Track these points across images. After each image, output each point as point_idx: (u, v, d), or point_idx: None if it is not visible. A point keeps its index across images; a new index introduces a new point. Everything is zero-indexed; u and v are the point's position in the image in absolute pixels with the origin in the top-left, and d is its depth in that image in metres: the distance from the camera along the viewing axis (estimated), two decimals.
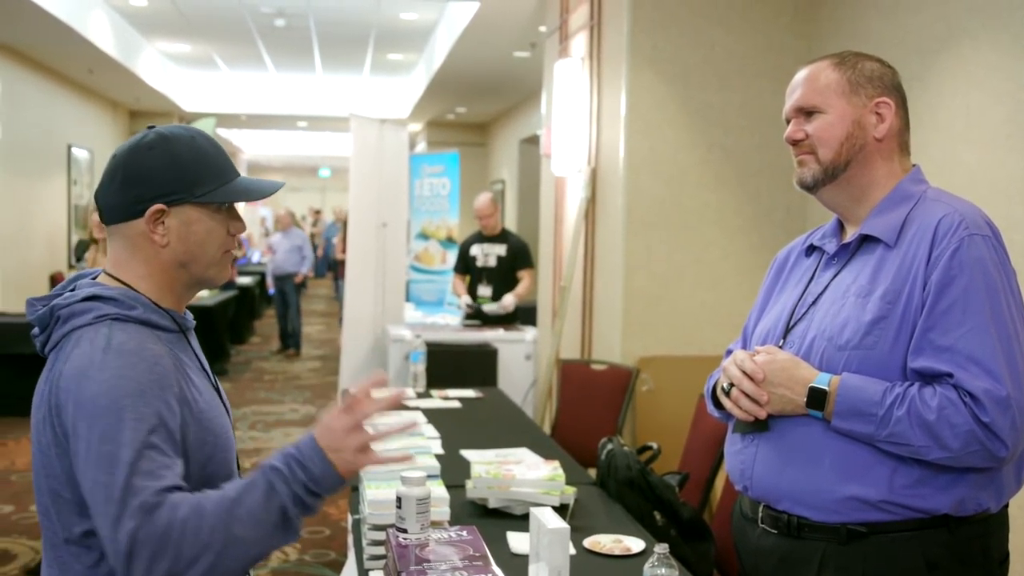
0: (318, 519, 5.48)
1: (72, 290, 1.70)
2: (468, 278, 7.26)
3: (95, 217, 4.39)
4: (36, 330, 1.68)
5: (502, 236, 7.21)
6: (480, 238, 7.24)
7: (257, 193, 1.77)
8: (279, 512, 1.54)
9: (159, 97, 13.93)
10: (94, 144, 13.30)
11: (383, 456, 1.69)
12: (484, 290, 7.08)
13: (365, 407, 1.66)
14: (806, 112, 2.01)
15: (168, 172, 1.67)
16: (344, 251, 10.63)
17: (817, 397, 1.88)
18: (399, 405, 1.72)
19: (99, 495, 1.49)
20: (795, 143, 2.03)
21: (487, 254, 7.12)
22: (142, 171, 1.67)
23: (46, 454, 1.60)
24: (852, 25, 4.68)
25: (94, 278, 1.73)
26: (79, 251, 7.68)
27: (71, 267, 11.52)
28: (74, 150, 12.40)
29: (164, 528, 1.46)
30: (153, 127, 1.73)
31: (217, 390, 1.81)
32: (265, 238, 24.40)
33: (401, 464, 1.78)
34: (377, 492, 2.50)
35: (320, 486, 1.58)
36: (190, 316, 1.81)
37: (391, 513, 2.26)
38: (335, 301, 19.33)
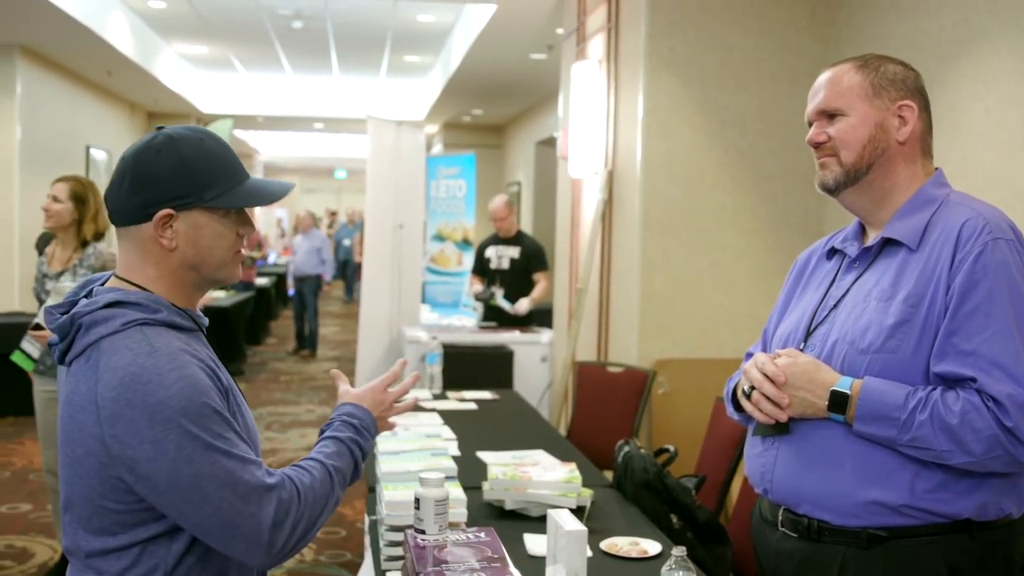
0: (334, 520, 5.48)
1: (87, 295, 1.69)
2: (484, 280, 7.28)
3: (54, 206, 4.38)
4: (55, 338, 1.66)
5: (517, 238, 7.20)
6: (495, 240, 7.24)
7: (268, 197, 1.75)
8: (355, 468, 1.83)
9: (177, 99, 13.98)
10: (112, 145, 13.35)
11: (400, 410, 2.02)
12: (498, 292, 7.10)
13: (400, 389, 2.02)
14: (828, 115, 2.01)
15: (177, 176, 1.65)
16: (363, 253, 10.62)
17: (839, 401, 1.87)
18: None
19: (210, 485, 1.54)
20: (817, 145, 2.03)
21: (500, 256, 7.13)
22: (150, 175, 1.65)
23: (84, 464, 1.59)
24: (870, 28, 4.67)
25: (103, 283, 1.72)
26: (40, 245, 7.66)
27: None
28: (92, 151, 12.46)
29: (300, 492, 1.64)
30: (162, 128, 1.71)
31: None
32: (281, 239, 24.41)
33: (411, 407, 2.07)
34: (394, 493, 2.51)
35: (372, 443, 1.91)
36: (201, 314, 1.81)
37: (409, 514, 2.27)
38: (347, 303, 19.38)
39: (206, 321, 1.81)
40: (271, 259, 19.61)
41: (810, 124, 2.05)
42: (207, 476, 1.53)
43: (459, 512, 2.49)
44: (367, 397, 1.94)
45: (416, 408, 4.38)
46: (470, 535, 2.13)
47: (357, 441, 1.83)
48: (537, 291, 6.99)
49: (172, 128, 1.71)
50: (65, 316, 1.65)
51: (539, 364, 6.49)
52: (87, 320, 1.61)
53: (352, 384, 2.02)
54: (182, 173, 1.65)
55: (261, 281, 13.80)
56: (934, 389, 1.82)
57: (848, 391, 1.87)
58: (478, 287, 7.18)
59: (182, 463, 1.53)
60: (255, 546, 1.57)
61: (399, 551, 2.38)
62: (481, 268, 7.28)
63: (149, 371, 1.54)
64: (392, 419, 2.03)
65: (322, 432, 1.85)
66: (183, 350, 1.61)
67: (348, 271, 20.01)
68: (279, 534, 1.59)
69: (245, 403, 1.79)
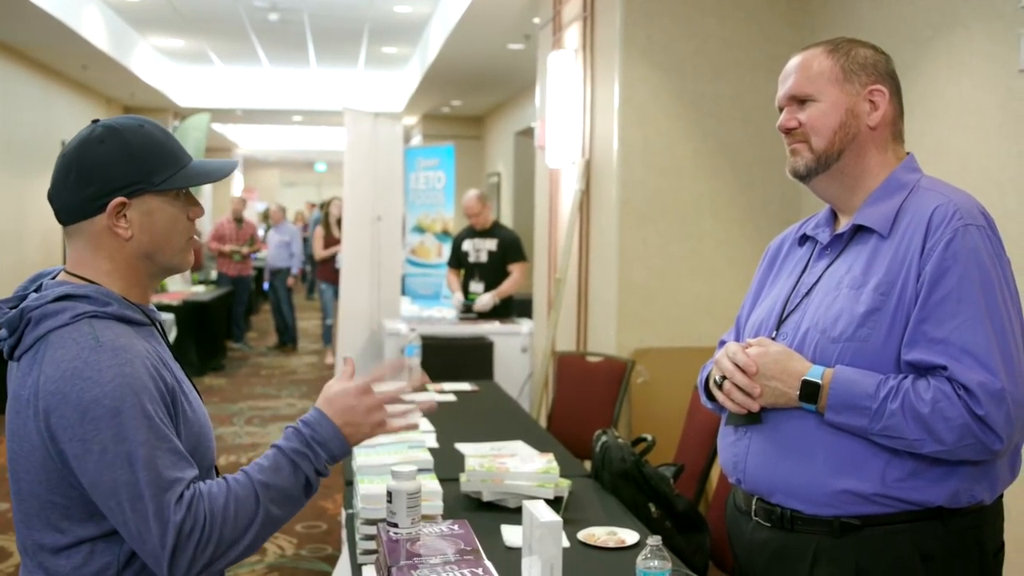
0: (315, 514, 5.47)
1: (37, 290, 1.68)
2: (462, 272, 7.25)
3: None
4: (4, 332, 1.64)
5: (492, 231, 7.17)
6: (471, 233, 7.22)
7: (215, 174, 1.74)
8: (304, 486, 1.67)
9: (153, 93, 13.89)
10: None
11: (394, 425, 1.82)
12: (476, 286, 7.06)
13: (386, 391, 1.80)
14: (799, 100, 1.99)
15: (123, 163, 1.64)
16: (326, 247, 10.53)
17: (810, 390, 1.87)
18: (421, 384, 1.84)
19: (124, 494, 1.50)
20: (788, 131, 2.01)
21: (478, 249, 7.10)
22: (96, 166, 1.63)
23: (29, 460, 1.58)
24: (845, 14, 4.67)
25: (53, 277, 1.71)
26: None
27: (65, 264, 11.46)
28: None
29: (207, 518, 1.54)
30: (97, 121, 1.70)
31: (189, 380, 1.81)
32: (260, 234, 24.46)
33: (409, 431, 1.87)
34: (370, 487, 2.49)
35: (336, 459, 1.72)
36: (155, 309, 1.80)
37: (383, 507, 2.25)
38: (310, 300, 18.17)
39: (160, 316, 1.80)
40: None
41: (780, 110, 2.04)
42: (124, 485, 1.51)
43: (434, 504, 2.48)
44: (336, 402, 1.74)
45: (399, 401, 4.37)
46: (444, 528, 2.13)
47: (305, 455, 1.67)
48: (507, 284, 6.94)
49: (109, 119, 1.70)
50: (14, 310, 1.63)
51: (519, 355, 6.48)
52: (36, 314, 1.60)
53: (332, 377, 1.92)
54: (128, 160, 1.64)
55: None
56: (905, 378, 1.81)
57: (819, 380, 1.86)
58: (459, 296, 7.14)
59: (103, 467, 1.51)
60: (157, 565, 1.53)
61: (374, 545, 2.37)
62: (458, 261, 7.25)
63: (90, 366, 1.53)
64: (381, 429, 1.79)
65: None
66: (129, 345, 1.58)
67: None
68: (180, 558, 1.52)
69: (198, 398, 1.77)
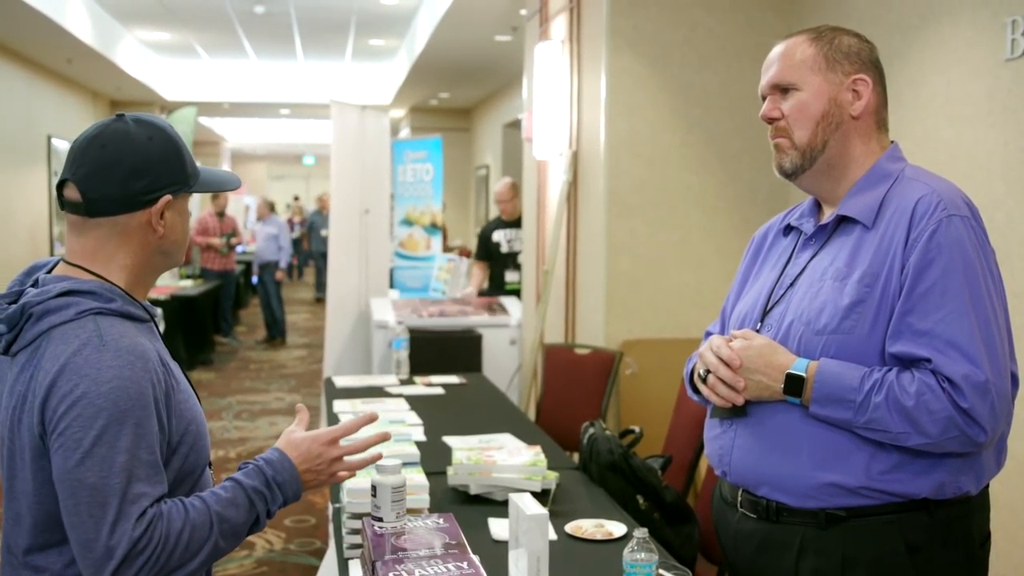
0: (303, 508, 5.46)
1: (34, 284, 1.66)
2: (488, 266, 7.21)
3: None
4: (3, 328, 1.63)
5: (520, 221, 7.11)
6: (500, 224, 7.20)
7: (228, 184, 1.84)
8: (253, 523, 1.67)
9: (140, 86, 13.83)
10: (74, 135, 13.14)
11: (353, 467, 1.83)
12: (513, 275, 7.04)
13: (354, 446, 1.81)
14: (781, 89, 1.98)
15: (173, 162, 1.69)
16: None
17: (794, 384, 1.85)
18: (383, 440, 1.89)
19: (85, 496, 1.48)
20: (771, 121, 2.00)
21: (511, 240, 7.08)
22: (149, 161, 1.66)
23: (23, 456, 1.57)
24: (832, 2, 4.66)
25: (49, 270, 1.70)
26: None
27: (52, 257, 11.41)
28: (54, 141, 12.30)
29: (161, 540, 1.51)
30: (123, 115, 1.70)
31: (186, 377, 1.81)
32: (247, 228, 24.25)
33: (371, 462, 1.88)
34: (356, 481, 2.47)
35: (287, 503, 1.72)
36: (152, 305, 1.79)
37: (368, 502, 2.24)
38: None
39: (157, 311, 1.80)
40: (239, 248, 19.48)
41: (763, 98, 2.03)
42: (89, 488, 1.49)
43: (421, 498, 2.47)
44: (302, 447, 1.74)
45: (382, 394, 4.37)
46: (429, 521, 2.12)
47: (263, 494, 1.67)
48: None
49: (143, 115, 1.71)
50: (14, 306, 1.62)
51: (508, 347, 6.47)
52: (39, 309, 1.59)
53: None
54: (177, 159, 1.69)
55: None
56: (890, 370, 1.80)
57: (803, 374, 1.85)
58: (470, 291, 7.11)
59: (72, 463, 1.49)
60: (100, 568, 1.49)
61: (360, 539, 2.36)
62: (488, 254, 7.20)
63: (91, 364, 1.52)
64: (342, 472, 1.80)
65: (239, 468, 1.72)
66: (133, 346, 1.57)
67: (321, 264, 16.40)
68: (123, 574, 1.49)
69: (194, 395, 1.76)
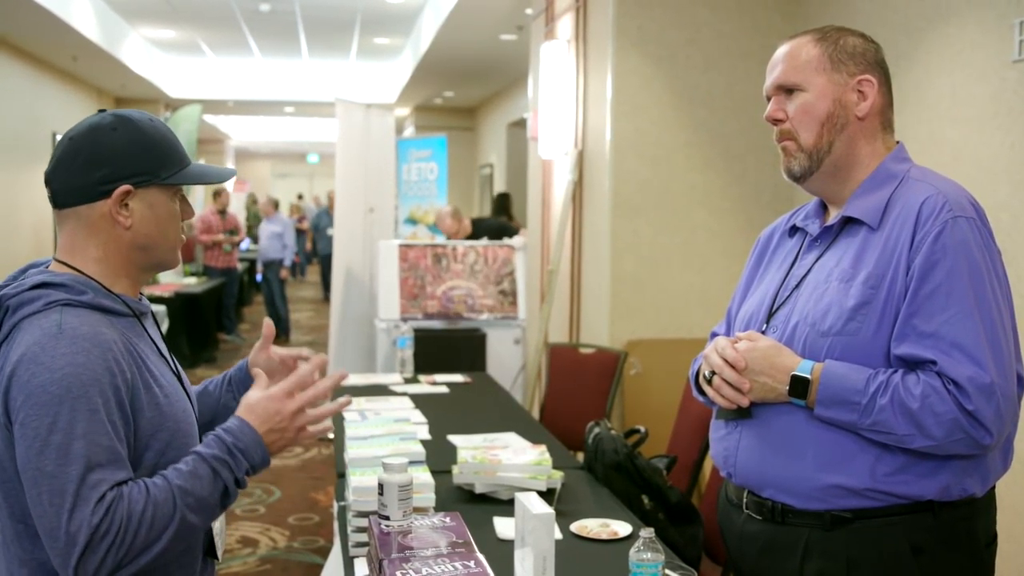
0: (307, 506, 5.47)
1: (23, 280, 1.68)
2: None
3: None
4: None
5: (474, 234, 7.33)
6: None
7: (215, 177, 1.80)
8: (222, 494, 1.62)
9: (144, 84, 13.85)
10: None
11: (317, 426, 1.75)
12: None
13: (311, 394, 1.73)
14: (786, 90, 1.97)
15: (135, 153, 1.66)
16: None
17: (799, 386, 1.85)
18: (339, 385, 1.78)
19: (45, 485, 1.48)
20: (775, 122, 2.00)
21: None
22: (108, 151, 1.65)
23: (2, 445, 1.58)
24: (838, 3, 4.66)
25: (47, 267, 1.71)
26: None
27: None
28: (59, 138, 12.30)
29: (123, 522, 1.49)
30: (105, 110, 1.72)
31: (178, 375, 1.80)
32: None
33: (336, 411, 1.78)
34: (362, 479, 2.48)
35: (256, 469, 1.66)
36: (146, 301, 1.80)
37: (374, 500, 2.24)
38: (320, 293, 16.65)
39: (148, 307, 1.80)
40: (243, 245, 19.47)
41: (768, 99, 2.02)
42: (48, 477, 1.49)
43: (426, 497, 2.47)
44: (258, 408, 1.68)
45: (387, 392, 4.37)
46: (436, 520, 2.12)
47: (226, 462, 1.61)
48: None
49: (119, 110, 1.72)
50: None
51: (512, 346, 6.46)
52: (14, 302, 1.61)
53: (325, 369, 1.91)
54: (140, 150, 1.67)
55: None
56: (895, 372, 1.80)
57: (808, 376, 1.85)
58: None
59: (33, 453, 1.50)
60: (63, 565, 1.49)
61: (366, 537, 2.36)
62: None
63: (47, 351, 1.53)
64: (320, 426, 1.75)
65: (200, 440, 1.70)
66: (92, 335, 1.57)
67: (327, 267, 14.39)
68: (89, 560, 1.48)
69: (182, 393, 1.76)
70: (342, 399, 1.80)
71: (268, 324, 2.02)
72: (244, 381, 2.02)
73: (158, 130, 1.71)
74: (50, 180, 1.68)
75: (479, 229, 7.34)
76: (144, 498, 1.52)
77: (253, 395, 1.71)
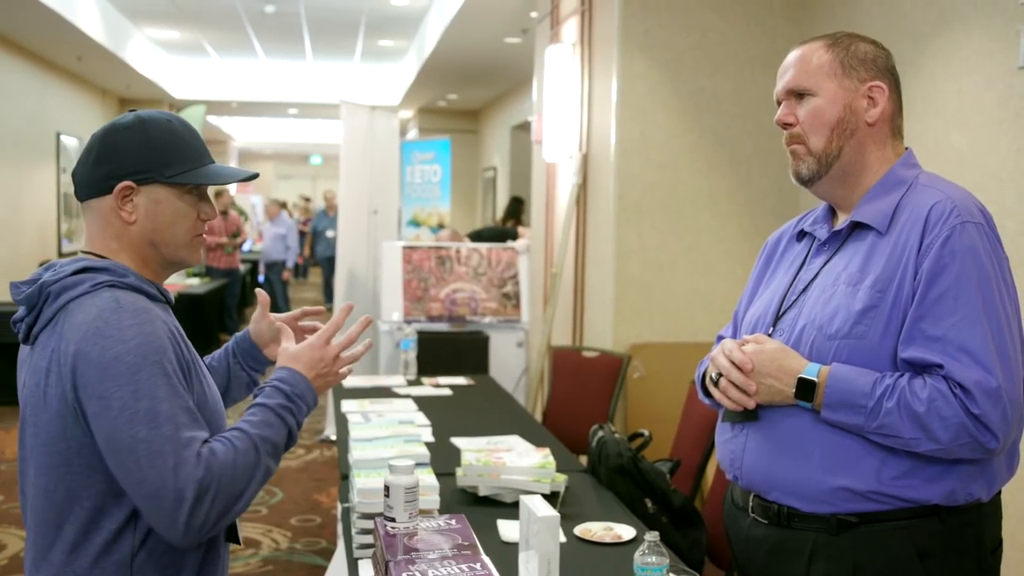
0: (309, 508, 5.47)
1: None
2: None
3: None
4: (23, 311, 1.67)
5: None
6: None
7: (228, 177, 1.81)
8: (289, 437, 1.74)
9: (149, 84, 13.85)
10: (84, 132, 13.21)
11: (355, 358, 1.93)
12: None
13: (346, 338, 1.90)
14: (797, 94, 1.98)
15: (140, 151, 1.70)
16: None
17: (806, 388, 1.86)
18: (368, 324, 1.98)
19: (143, 450, 1.52)
20: (785, 126, 2.00)
21: None
22: (115, 149, 1.70)
23: (47, 431, 1.60)
24: (844, 9, 4.66)
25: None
26: None
27: (61, 255, 11.46)
28: (63, 138, 12.33)
29: (220, 474, 1.57)
30: (134, 111, 1.76)
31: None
32: (255, 227, 24.23)
33: (365, 352, 1.96)
34: (366, 481, 2.49)
35: (310, 409, 1.80)
36: (169, 293, 1.83)
37: (380, 502, 2.25)
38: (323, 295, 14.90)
39: (172, 298, 1.84)
40: (246, 246, 19.45)
41: (779, 103, 2.03)
42: (143, 441, 1.53)
43: (431, 499, 2.47)
44: (303, 357, 1.83)
45: (390, 394, 4.38)
46: (441, 522, 2.12)
47: (289, 408, 1.74)
48: None
49: (144, 111, 1.77)
50: (32, 287, 1.67)
51: (515, 349, 6.47)
52: (56, 287, 1.64)
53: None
54: (145, 149, 1.70)
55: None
56: (901, 376, 1.80)
57: (815, 378, 1.85)
58: None
59: (123, 422, 1.53)
60: (173, 523, 1.54)
61: (371, 539, 2.36)
62: None
63: (112, 325, 1.57)
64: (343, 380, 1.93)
65: (255, 396, 1.79)
66: (150, 308, 1.64)
67: (328, 271, 13.39)
68: (197, 515, 1.54)
69: (210, 377, 1.82)
70: (367, 340, 1.99)
71: (261, 293, 2.18)
72: (249, 351, 2.14)
73: (173, 131, 1.74)
74: (73, 175, 1.75)
75: (477, 240, 7.40)
76: (232, 450, 1.61)
77: (292, 347, 1.86)
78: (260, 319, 2.14)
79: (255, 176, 1.88)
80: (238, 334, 2.19)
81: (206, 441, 1.60)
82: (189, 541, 1.57)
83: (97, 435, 1.56)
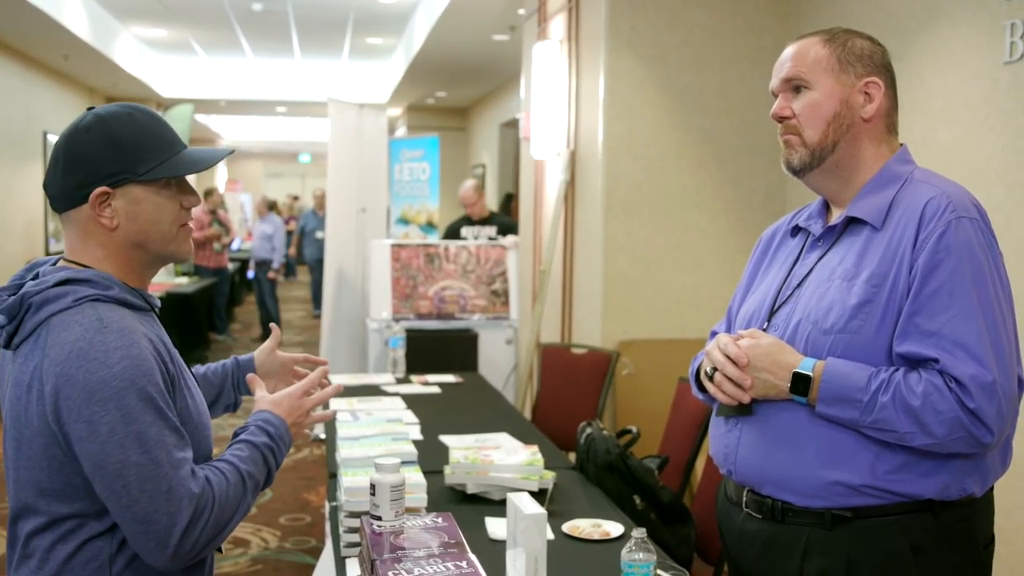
0: (298, 506, 5.45)
1: (35, 277, 1.67)
2: None
3: None
4: (3, 319, 1.63)
5: (490, 219, 7.29)
6: (469, 221, 7.27)
7: (203, 163, 1.73)
8: (268, 476, 1.77)
9: (136, 83, 13.79)
10: None
11: (325, 418, 2.01)
12: None
13: (318, 397, 1.94)
14: (794, 87, 1.98)
15: (107, 153, 1.63)
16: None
17: (801, 383, 1.86)
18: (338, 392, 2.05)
19: (133, 475, 1.51)
20: (781, 119, 2.00)
21: (477, 236, 7.14)
22: (82, 156, 1.63)
23: (31, 447, 1.58)
24: (830, 5, 4.66)
25: (52, 264, 1.70)
26: None
27: (48, 254, 11.40)
28: (50, 137, 12.26)
29: (212, 499, 1.58)
30: (92, 108, 1.69)
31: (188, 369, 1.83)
32: (244, 224, 24.17)
33: (330, 416, 2.05)
34: (353, 479, 2.48)
35: (286, 452, 1.84)
36: (153, 295, 1.79)
37: (366, 500, 2.24)
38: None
39: (158, 303, 1.80)
40: (235, 244, 19.40)
41: (775, 96, 2.02)
42: (133, 466, 1.51)
43: (418, 497, 2.47)
44: (284, 403, 1.87)
45: (379, 392, 4.37)
46: (428, 520, 2.11)
47: (272, 448, 1.77)
48: None
49: (102, 107, 1.69)
50: (13, 297, 1.62)
51: (504, 347, 6.46)
52: (37, 299, 1.60)
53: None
54: (113, 150, 1.63)
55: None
56: (897, 370, 1.81)
57: (810, 373, 1.85)
58: None
59: (112, 447, 1.51)
60: (162, 547, 1.53)
61: (358, 538, 2.36)
62: None
63: (96, 347, 1.53)
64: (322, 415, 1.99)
65: (236, 435, 1.78)
66: (134, 328, 1.59)
67: (317, 274, 13.22)
68: (188, 538, 1.55)
69: (196, 387, 1.79)
70: (332, 410, 2.08)
71: (276, 329, 2.27)
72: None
73: (137, 124, 1.67)
74: (45, 187, 1.69)
75: (494, 220, 7.40)
76: (223, 478, 1.63)
77: (271, 395, 1.91)
78: (270, 352, 2.21)
79: (231, 152, 1.83)
80: (242, 358, 2.22)
81: (193, 462, 1.60)
82: (175, 564, 1.56)
83: (83, 459, 1.53)
